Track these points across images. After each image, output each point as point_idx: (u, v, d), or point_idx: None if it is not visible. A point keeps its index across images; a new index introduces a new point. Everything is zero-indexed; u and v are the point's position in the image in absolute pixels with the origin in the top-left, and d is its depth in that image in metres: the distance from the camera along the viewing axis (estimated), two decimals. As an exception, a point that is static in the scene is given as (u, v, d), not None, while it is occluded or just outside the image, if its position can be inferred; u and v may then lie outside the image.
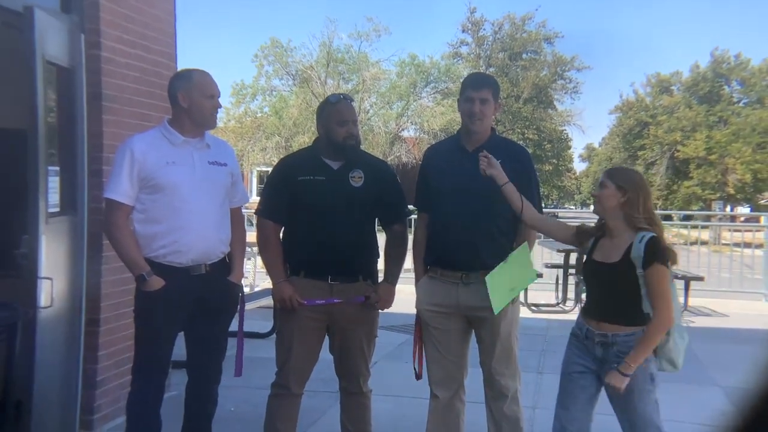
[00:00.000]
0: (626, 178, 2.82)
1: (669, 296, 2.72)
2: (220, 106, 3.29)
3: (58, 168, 3.77)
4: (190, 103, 3.18)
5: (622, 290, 2.76)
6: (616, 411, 2.88)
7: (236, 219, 3.42)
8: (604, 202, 2.82)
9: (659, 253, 2.70)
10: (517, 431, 3.34)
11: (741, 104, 35.25)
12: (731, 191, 32.26)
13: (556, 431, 2.94)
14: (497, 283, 3.12)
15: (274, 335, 3.67)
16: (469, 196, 3.20)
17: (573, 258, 9.09)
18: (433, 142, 14.74)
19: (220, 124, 29.66)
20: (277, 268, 3.35)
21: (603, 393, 2.93)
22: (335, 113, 3.32)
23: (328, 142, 3.33)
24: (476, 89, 3.27)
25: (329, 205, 3.27)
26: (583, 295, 3.23)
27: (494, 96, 3.30)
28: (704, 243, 14.13)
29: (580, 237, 2.98)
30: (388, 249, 3.47)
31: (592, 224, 2.98)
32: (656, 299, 2.70)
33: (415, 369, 3.46)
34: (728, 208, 34.12)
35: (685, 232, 14.35)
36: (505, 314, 3.24)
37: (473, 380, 3.45)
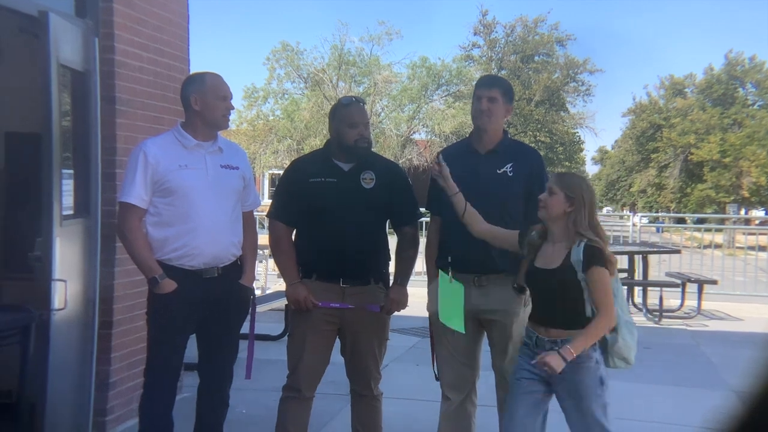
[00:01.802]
0: (575, 187, 2.83)
1: (611, 297, 2.76)
2: (232, 108, 3.30)
3: (72, 171, 3.80)
4: (202, 105, 3.20)
5: (566, 295, 2.79)
6: (565, 413, 2.90)
7: (248, 222, 3.44)
8: (550, 208, 2.83)
9: (598, 256, 2.74)
10: None
11: (756, 107, 35.00)
12: (746, 194, 32.00)
13: None
14: (446, 289, 3.16)
15: (286, 337, 3.67)
16: (481, 198, 3.20)
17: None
18: (445, 145, 14.76)
19: (232, 126, 29.81)
20: (291, 270, 3.35)
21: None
22: (347, 116, 3.33)
23: (339, 144, 3.34)
24: (486, 88, 3.30)
25: (340, 207, 3.27)
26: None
27: (504, 96, 3.30)
28: (718, 246, 14.03)
29: (524, 245, 2.97)
30: (399, 251, 3.47)
31: (534, 233, 2.97)
32: (598, 300, 2.74)
33: (434, 371, 3.45)
34: (743, 212, 33.87)
35: (698, 235, 14.27)
36: (517, 316, 3.23)
37: (486, 383, 3.44)
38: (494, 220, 3.22)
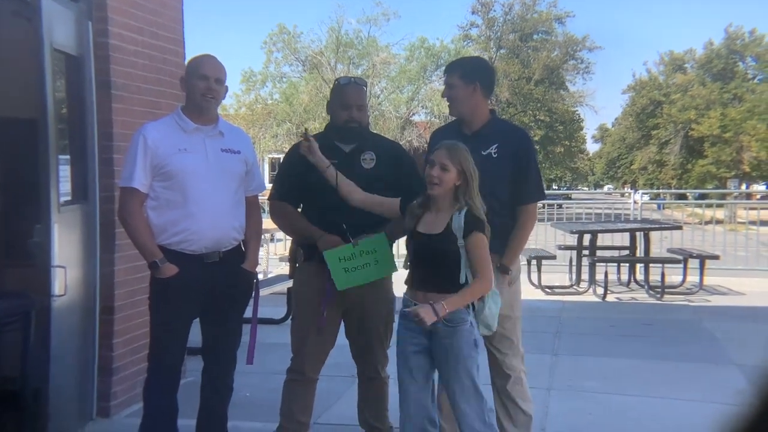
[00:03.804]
0: (465, 162, 2.88)
1: (489, 263, 2.86)
2: (220, 91, 3.19)
3: (68, 157, 3.78)
4: (186, 86, 3.19)
5: (445, 260, 2.86)
6: (441, 376, 2.96)
7: (252, 207, 3.40)
8: (445, 184, 2.87)
9: (478, 223, 2.84)
10: (521, 412, 3.34)
11: (756, 81, 34.84)
12: (746, 169, 31.94)
13: (402, 412, 2.98)
14: (335, 260, 3.16)
15: (289, 321, 3.67)
16: None
17: (587, 240, 9.04)
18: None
19: (230, 111, 29.75)
20: (313, 229, 3.29)
21: None
22: (340, 96, 3.34)
23: (332, 124, 3.34)
24: (446, 75, 3.36)
25: None
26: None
27: (464, 78, 3.29)
28: (719, 222, 14.00)
29: (406, 213, 3.02)
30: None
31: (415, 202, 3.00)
32: (478, 265, 2.83)
33: None
34: (744, 186, 33.83)
35: (699, 211, 14.24)
36: (501, 294, 3.23)
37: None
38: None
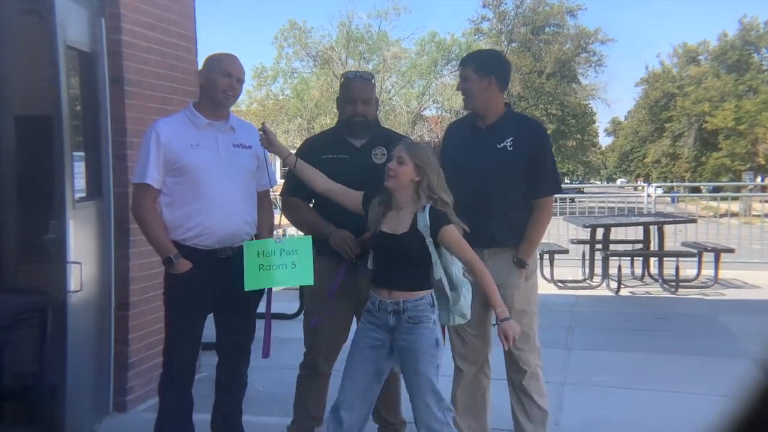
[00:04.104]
0: (424, 158, 2.88)
1: (469, 247, 2.87)
2: (237, 88, 3.22)
3: (83, 153, 3.80)
4: (206, 79, 3.19)
5: (412, 259, 2.88)
6: (402, 373, 2.97)
7: (263, 202, 3.41)
8: (400, 177, 2.88)
9: (442, 216, 2.85)
10: (537, 407, 3.33)
11: (771, 72, 34.46)
12: (761, 161, 31.67)
13: (337, 403, 2.98)
14: (253, 253, 3.13)
15: (302, 316, 3.67)
16: (480, 174, 3.20)
17: (599, 234, 9.00)
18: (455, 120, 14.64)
19: (242, 106, 29.79)
20: (323, 224, 3.30)
21: None
22: (346, 90, 3.37)
23: (340, 119, 3.36)
24: (460, 68, 3.33)
25: (352, 183, 3.24)
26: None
27: (478, 71, 3.26)
28: (734, 215, 13.90)
29: (369, 212, 3.02)
30: None
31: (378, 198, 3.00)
32: (464, 254, 2.86)
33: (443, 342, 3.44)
34: (759, 179, 33.53)
35: (714, 204, 14.14)
36: (517, 289, 3.22)
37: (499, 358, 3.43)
38: (495, 195, 3.21)
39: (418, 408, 2.89)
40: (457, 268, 2.97)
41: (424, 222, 2.84)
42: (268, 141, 3.12)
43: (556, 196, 3.89)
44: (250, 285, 3.14)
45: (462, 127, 3.45)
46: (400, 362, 2.95)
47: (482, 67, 3.27)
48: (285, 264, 3.15)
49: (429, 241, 2.85)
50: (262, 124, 3.16)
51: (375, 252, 3.02)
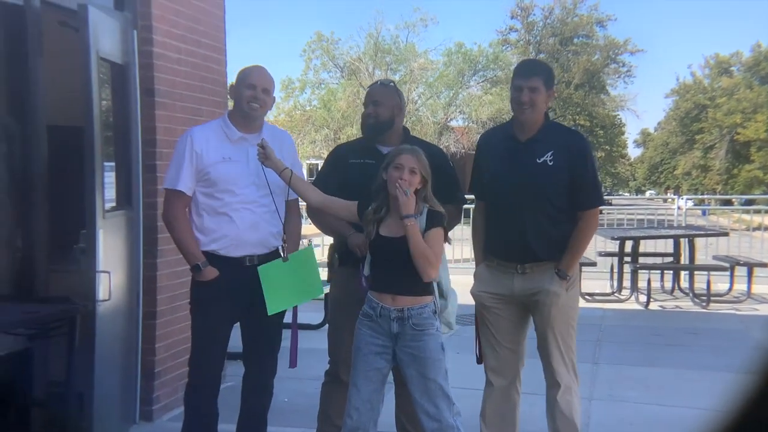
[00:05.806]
0: (426, 166, 2.95)
1: (440, 254, 2.94)
2: (267, 101, 3.23)
3: (113, 163, 3.84)
4: (235, 93, 3.24)
5: (410, 263, 2.88)
6: (407, 380, 2.96)
7: (291, 212, 3.40)
8: (412, 187, 2.92)
9: (439, 219, 2.92)
10: (569, 422, 3.26)
11: (805, 84, 33.88)
12: (795, 174, 31.07)
13: (348, 412, 2.97)
14: (267, 279, 3.15)
15: (326, 326, 3.67)
16: (521, 189, 3.14)
17: (628, 246, 8.87)
18: (482, 132, 14.62)
19: (270, 117, 30.04)
20: (345, 226, 3.29)
21: None
22: (366, 95, 3.45)
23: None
24: (525, 77, 3.16)
25: None
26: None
27: (546, 83, 3.17)
28: (767, 228, 13.60)
29: (364, 221, 3.03)
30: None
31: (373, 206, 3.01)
32: (433, 247, 2.89)
33: (476, 354, 3.41)
34: (792, 192, 32.87)
35: (747, 217, 13.88)
36: (558, 297, 3.16)
37: (536, 372, 3.38)
38: (537, 211, 3.15)
39: (426, 411, 2.90)
40: (445, 276, 3.02)
41: (420, 225, 2.90)
42: (265, 156, 3.13)
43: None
44: (272, 309, 3.18)
45: (497, 138, 3.37)
46: (404, 369, 2.95)
47: (549, 80, 3.20)
48: (297, 281, 3.22)
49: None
50: (261, 139, 3.19)
51: (374, 256, 3.03)
